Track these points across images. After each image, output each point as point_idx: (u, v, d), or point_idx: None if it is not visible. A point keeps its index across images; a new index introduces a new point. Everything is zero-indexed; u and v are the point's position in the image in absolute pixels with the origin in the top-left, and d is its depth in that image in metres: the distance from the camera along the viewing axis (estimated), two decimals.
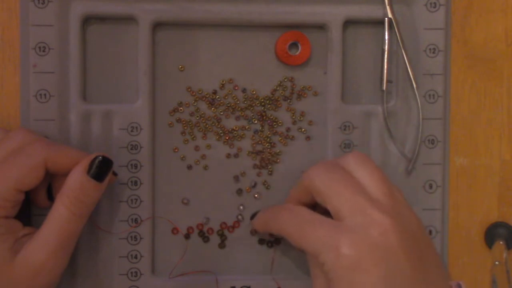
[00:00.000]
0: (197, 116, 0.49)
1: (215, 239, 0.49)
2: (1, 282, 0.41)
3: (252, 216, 0.48)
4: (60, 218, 0.42)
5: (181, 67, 0.48)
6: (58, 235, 0.41)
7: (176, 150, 0.49)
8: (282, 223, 0.43)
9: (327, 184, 0.41)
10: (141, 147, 0.47)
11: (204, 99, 0.49)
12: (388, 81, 0.48)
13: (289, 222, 0.42)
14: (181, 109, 0.48)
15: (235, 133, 0.49)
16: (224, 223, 0.49)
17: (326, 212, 0.41)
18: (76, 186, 0.42)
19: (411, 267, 0.38)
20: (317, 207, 0.43)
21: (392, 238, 0.38)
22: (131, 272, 0.48)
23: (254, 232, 0.49)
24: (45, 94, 0.47)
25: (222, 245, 0.49)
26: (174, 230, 0.49)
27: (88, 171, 0.42)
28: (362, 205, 0.39)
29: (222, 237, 0.49)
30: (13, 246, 0.41)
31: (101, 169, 0.43)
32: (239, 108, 0.49)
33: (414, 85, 0.48)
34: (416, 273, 0.38)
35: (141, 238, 0.48)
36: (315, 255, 0.40)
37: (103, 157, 0.43)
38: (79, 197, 0.42)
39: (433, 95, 0.49)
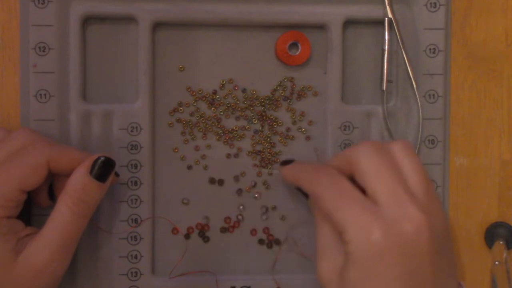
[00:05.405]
0: (197, 116, 0.49)
1: (215, 239, 0.49)
2: (4, 283, 0.41)
3: (284, 163, 0.47)
4: (63, 218, 0.42)
5: (181, 67, 0.48)
6: (60, 235, 0.41)
7: (176, 150, 0.49)
8: (319, 185, 0.41)
9: (372, 166, 0.40)
10: (141, 147, 0.47)
11: (204, 99, 0.49)
12: (388, 81, 0.48)
13: (327, 187, 0.41)
14: (181, 109, 0.48)
15: (235, 133, 0.49)
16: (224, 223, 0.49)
17: (360, 190, 0.40)
18: (79, 187, 0.42)
19: (431, 269, 0.38)
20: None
21: (424, 237, 0.38)
22: (131, 272, 0.47)
23: (283, 180, 0.47)
24: (45, 94, 0.46)
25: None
26: (174, 230, 0.49)
27: (91, 172, 0.42)
28: (401, 197, 0.39)
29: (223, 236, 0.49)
30: (15, 247, 0.41)
31: (104, 169, 0.43)
32: (239, 108, 0.49)
33: (414, 85, 0.48)
34: (434, 276, 0.38)
35: (141, 238, 0.48)
36: (342, 230, 0.39)
37: (106, 158, 0.43)
38: (81, 198, 0.42)
39: (433, 95, 0.49)
